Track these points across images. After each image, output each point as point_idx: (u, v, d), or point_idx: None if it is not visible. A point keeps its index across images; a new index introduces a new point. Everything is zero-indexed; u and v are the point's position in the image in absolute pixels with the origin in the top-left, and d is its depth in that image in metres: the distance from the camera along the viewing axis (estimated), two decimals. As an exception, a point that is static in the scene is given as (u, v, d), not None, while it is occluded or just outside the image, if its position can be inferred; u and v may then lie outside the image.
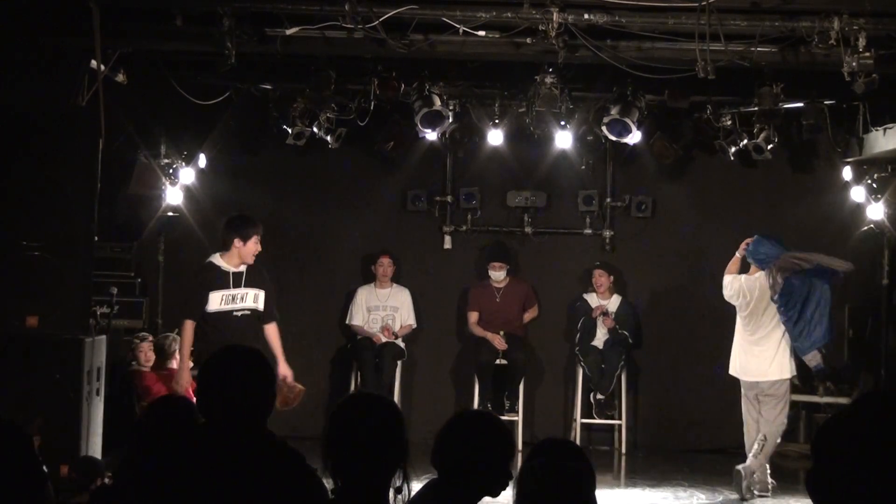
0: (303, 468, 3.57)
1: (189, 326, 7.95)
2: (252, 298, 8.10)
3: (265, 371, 3.70)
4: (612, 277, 11.16)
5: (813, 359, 9.09)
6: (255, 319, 8.12)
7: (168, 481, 3.54)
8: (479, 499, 3.77)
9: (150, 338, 9.65)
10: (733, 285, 9.22)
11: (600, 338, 11.10)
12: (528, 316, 11.33)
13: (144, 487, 3.65)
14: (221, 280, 8.01)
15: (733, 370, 9.35)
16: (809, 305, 8.97)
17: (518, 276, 11.42)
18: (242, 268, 8.07)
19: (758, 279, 9.13)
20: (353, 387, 11.01)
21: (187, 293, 8.26)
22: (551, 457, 3.70)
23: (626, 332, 11.01)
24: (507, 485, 3.73)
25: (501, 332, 10.99)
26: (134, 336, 9.64)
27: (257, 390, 3.63)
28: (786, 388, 9.21)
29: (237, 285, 8.04)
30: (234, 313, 8.02)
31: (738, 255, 9.29)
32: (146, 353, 9.34)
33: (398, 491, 3.52)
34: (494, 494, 3.75)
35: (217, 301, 7.98)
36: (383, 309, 11.16)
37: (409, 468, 3.52)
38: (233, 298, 8.03)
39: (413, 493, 3.62)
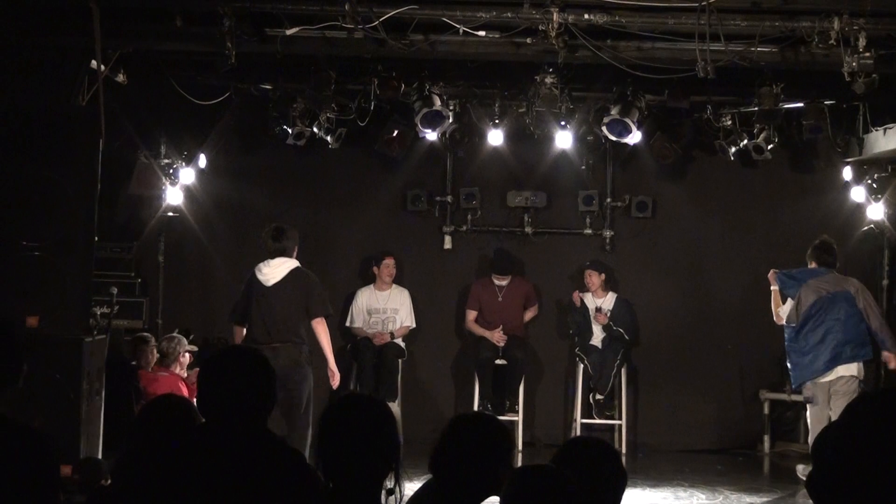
0: (302, 467, 3.57)
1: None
2: None
3: (266, 371, 3.70)
4: (603, 276, 11.15)
5: (806, 391, 9.09)
6: None
7: (166, 481, 3.54)
8: (484, 499, 3.75)
9: (153, 340, 9.58)
10: (790, 313, 9.19)
11: (598, 336, 11.09)
12: (529, 315, 11.33)
13: (142, 487, 3.65)
14: None
15: None
16: (810, 338, 9.01)
17: (519, 275, 11.41)
18: None
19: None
20: (353, 387, 11.00)
21: (324, 294, 8.86)
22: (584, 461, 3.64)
23: (620, 329, 11.00)
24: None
25: (500, 329, 10.99)
26: (136, 336, 9.61)
27: (257, 390, 3.63)
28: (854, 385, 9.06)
29: None
30: None
31: (773, 288, 9.29)
32: (152, 354, 9.29)
33: (390, 492, 3.51)
34: (498, 493, 3.74)
35: None
36: (383, 311, 11.15)
37: (402, 469, 3.52)
38: None
39: (410, 494, 3.61)
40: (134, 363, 9.33)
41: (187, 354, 9.29)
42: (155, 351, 9.29)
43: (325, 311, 8.77)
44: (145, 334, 9.65)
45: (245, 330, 8.78)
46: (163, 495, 3.54)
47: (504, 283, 11.21)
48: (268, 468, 3.50)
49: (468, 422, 4.03)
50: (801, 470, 9.44)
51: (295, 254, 8.80)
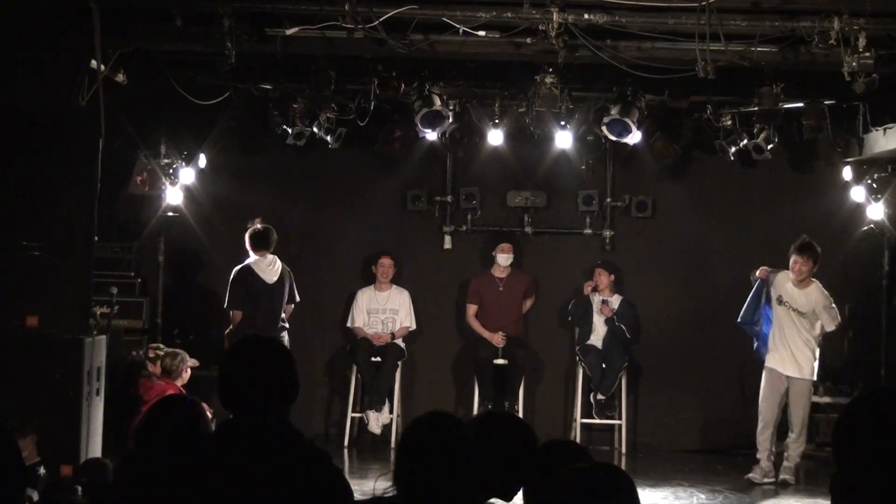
0: (329, 468, 3.53)
1: None
2: None
3: (288, 359, 3.66)
4: (612, 276, 11.15)
5: None
6: None
7: (189, 478, 3.50)
8: (488, 498, 3.71)
9: (182, 355, 9.36)
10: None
11: (599, 335, 11.06)
12: (526, 304, 11.30)
13: (154, 486, 3.62)
14: None
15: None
16: None
17: (520, 268, 11.40)
18: None
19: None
20: (352, 387, 11.01)
21: None
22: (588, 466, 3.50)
23: (622, 326, 10.98)
24: (518, 490, 3.68)
25: (501, 333, 10.99)
26: (150, 347, 9.54)
27: (281, 378, 3.59)
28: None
29: None
30: None
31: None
32: (185, 371, 9.24)
33: None
34: (507, 499, 3.70)
35: None
36: (383, 312, 11.15)
37: None
38: None
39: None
40: (146, 371, 9.22)
41: (189, 369, 9.24)
42: (188, 366, 9.23)
43: (297, 297, 10.04)
44: (175, 350, 9.49)
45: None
46: (188, 492, 3.50)
47: (504, 274, 11.20)
48: (296, 466, 3.46)
49: (496, 420, 3.97)
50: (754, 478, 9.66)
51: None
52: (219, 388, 3.63)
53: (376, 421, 10.65)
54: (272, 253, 9.81)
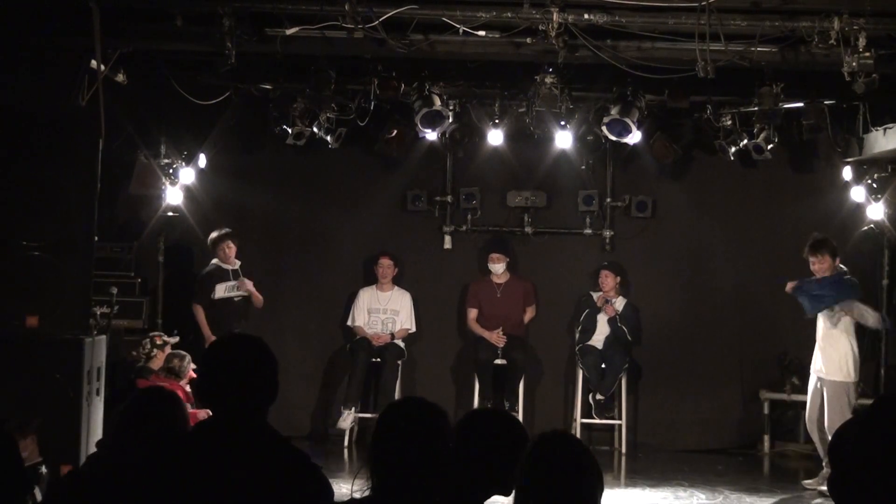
0: (307, 465, 3.53)
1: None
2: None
3: (268, 358, 3.67)
4: (618, 278, 11.15)
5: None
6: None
7: (165, 476, 3.50)
8: (490, 495, 3.73)
9: (171, 342, 9.56)
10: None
11: (599, 337, 11.07)
12: (527, 316, 11.31)
13: (131, 480, 3.60)
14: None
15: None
16: None
17: (518, 274, 11.41)
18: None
19: None
20: (350, 387, 10.99)
21: (198, 284, 10.63)
22: (556, 451, 3.51)
23: (624, 328, 10.98)
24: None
25: (500, 330, 10.99)
26: (154, 336, 9.57)
27: (260, 378, 3.59)
28: None
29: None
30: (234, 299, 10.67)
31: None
32: (161, 359, 9.33)
33: None
34: (507, 493, 3.72)
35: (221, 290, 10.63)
36: (384, 312, 11.16)
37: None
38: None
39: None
40: (143, 361, 9.36)
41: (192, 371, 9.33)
42: (191, 366, 9.31)
43: (194, 299, 10.60)
44: (166, 339, 9.62)
45: None
46: (161, 491, 3.50)
47: (502, 280, 11.21)
48: (272, 466, 3.45)
49: (486, 417, 3.99)
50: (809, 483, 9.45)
51: (222, 256, 10.57)
52: (198, 384, 3.62)
53: None
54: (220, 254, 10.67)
